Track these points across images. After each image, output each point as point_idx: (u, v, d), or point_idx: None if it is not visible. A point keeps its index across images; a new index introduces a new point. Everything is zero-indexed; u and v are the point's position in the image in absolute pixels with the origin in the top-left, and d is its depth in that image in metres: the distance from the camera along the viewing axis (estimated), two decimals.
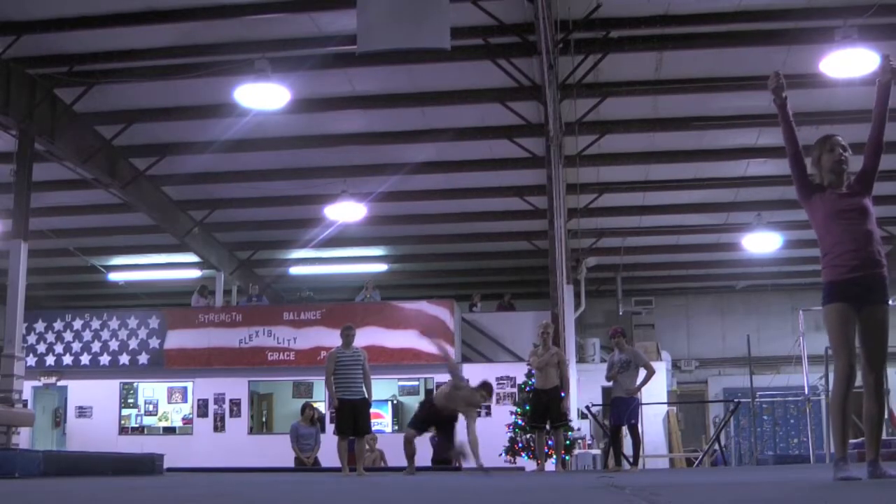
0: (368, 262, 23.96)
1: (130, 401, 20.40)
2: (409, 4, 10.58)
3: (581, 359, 21.35)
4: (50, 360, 20.21)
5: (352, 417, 11.22)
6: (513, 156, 16.94)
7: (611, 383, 12.38)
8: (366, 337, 17.89)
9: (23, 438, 16.04)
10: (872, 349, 5.51)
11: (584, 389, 19.02)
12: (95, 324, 20.32)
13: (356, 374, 11.32)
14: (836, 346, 5.51)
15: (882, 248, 5.66)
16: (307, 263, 23.85)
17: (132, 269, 24.18)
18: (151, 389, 20.46)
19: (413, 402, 21.18)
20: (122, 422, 20.20)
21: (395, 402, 21.77)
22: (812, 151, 5.97)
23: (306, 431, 15.93)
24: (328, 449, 14.01)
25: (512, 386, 18.57)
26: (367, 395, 11.40)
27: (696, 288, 26.53)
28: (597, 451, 17.22)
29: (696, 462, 17.94)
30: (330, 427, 15.60)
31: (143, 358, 20.00)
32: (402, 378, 20.77)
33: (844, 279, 5.52)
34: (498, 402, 18.95)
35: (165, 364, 19.95)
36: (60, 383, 20.37)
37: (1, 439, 13.33)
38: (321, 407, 17.37)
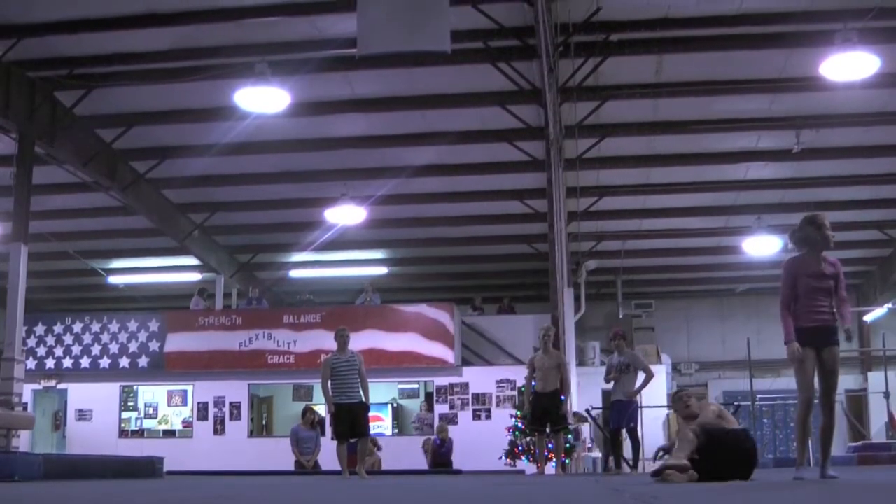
0: (368, 266, 23.95)
1: (130, 404, 20.39)
2: (410, 7, 10.58)
3: (581, 362, 21.33)
4: (50, 363, 20.20)
5: (349, 421, 11.24)
6: (513, 159, 16.93)
7: (610, 386, 12.38)
8: (366, 340, 17.90)
9: (23, 441, 16.02)
10: None
11: (584, 393, 18.99)
12: (95, 327, 20.30)
13: (352, 379, 11.31)
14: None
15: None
16: (307, 266, 23.84)
17: (132, 273, 24.17)
18: (151, 392, 20.45)
19: (413, 406, 21.21)
20: (122, 425, 20.18)
21: (395, 405, 21.76)
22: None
23: (306, 434, 15.93)
24: (328, 452, 13.99)
25: (512, 389, 18.56)
26: (364, 399, 11.39)
27: (696, 291, 26.53)
28: (597, 454, 17.20)
29: None
30: (330, 430, 15.59)
31: (143, 361, 19.99)
32: (402, 381, 20.77)
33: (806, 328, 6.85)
34: (498, 405, 18.95)
35: (165, 367, 19.93)
36: (60, 386, 20.35)
37: (1, 442, 13.31)
38: (321, 410, 17.36)
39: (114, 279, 24.11)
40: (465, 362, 19.68)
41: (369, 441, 12.86)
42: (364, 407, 11.42)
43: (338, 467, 11.50)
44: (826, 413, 6.94)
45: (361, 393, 11.39)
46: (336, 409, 11.25)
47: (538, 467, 12.53)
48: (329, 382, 11.32)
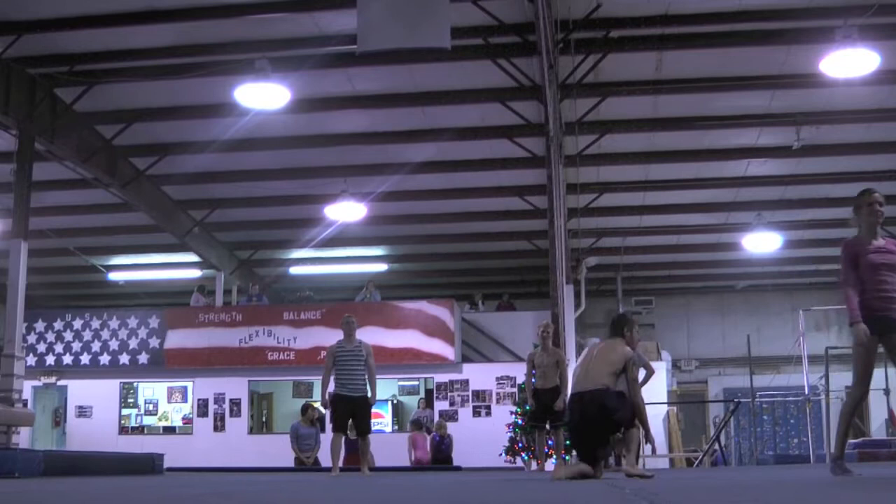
0: (368, 262, 23.95)
1: (130, 400, 20.42)
2: (410, 4, 10.58)
3: None
4: (50, 359, 20.22)
5: (348, 415, 10.84)
6: (513, 155, 16.93)
7: None
8: (366, 336, 17.71)
9: (23, 438, 16.04)
10: None
11: None
12: (95, 323, 20.32)
13: (357, 370, 10.84)
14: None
15: None
16: (307, 263, 23.84)
17: (132, 269, 24.17)
18: (151, 389, 20.47)
19: (413, 402, 21.22)
20: (122, 421, 20.21)
21: (395, 401, 21.78)
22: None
23: (306, 431, 15.95)
24: (328, 449, 13.97)
25: (512, 386, 18.57)
26: (369, 393, 10.93)
27: (696, 288, 26.53)
28: None
29: (697, 462, 17.94)
30: (330, 427, 15.57)
31: (143, 357, 20.01)
32: (402, 378, 20.79)
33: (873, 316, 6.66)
34: (498, 401, 18.97)
35: (165, 364, 19.96)
36: (60, 383, 20.39)
37: (1, 439, 13.32)
38: (321, 407, 17.36)
39: (114, 276, 24.12)
40: (465, 359, 19.69)
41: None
42: (367, 403, 10.95)
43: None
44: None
45: (367, 387, 10.93)
46: (335, 399, 10.81)
47: (538, 464, 12.53)
48: (332, 372, 10.86)
